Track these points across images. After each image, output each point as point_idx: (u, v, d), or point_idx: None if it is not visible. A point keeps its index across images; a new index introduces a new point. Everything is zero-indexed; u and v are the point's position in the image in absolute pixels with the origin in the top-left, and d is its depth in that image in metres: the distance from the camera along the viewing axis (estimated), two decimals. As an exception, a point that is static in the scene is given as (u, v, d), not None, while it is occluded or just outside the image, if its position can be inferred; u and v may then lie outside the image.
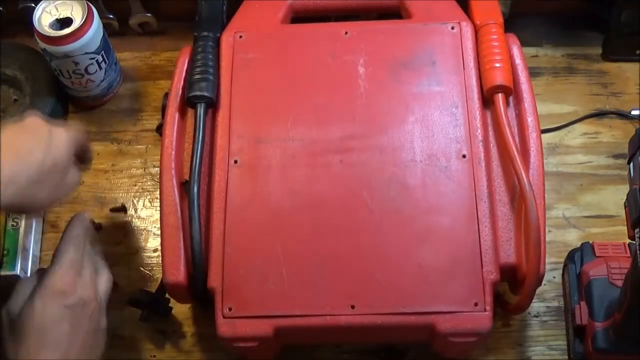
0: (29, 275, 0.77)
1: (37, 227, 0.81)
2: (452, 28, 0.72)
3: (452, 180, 0.65)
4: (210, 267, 0.64)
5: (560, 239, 0.79)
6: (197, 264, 0.64)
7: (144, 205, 0.83)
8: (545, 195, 0.66)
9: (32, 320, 0.58)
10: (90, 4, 0.81)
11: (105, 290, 0.64)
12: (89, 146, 0.69)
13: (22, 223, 0.77)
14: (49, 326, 0.58)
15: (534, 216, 0.62)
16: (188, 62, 0.73)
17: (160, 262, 0.66)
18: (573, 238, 0.78)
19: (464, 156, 0.66)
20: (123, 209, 0.82)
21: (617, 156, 0.83)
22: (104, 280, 0.64)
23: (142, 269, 0.79)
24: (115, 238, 0.81)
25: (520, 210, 0.65)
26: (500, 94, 0.68)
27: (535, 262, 0.62)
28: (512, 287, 0.68)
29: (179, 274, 0.65)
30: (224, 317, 0.63)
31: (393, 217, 0.64)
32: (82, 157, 0.68)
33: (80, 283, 0.60)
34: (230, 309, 0.63)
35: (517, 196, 0.66)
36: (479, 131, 0.67)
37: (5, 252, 0.76)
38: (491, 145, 0.68)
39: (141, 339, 0.76)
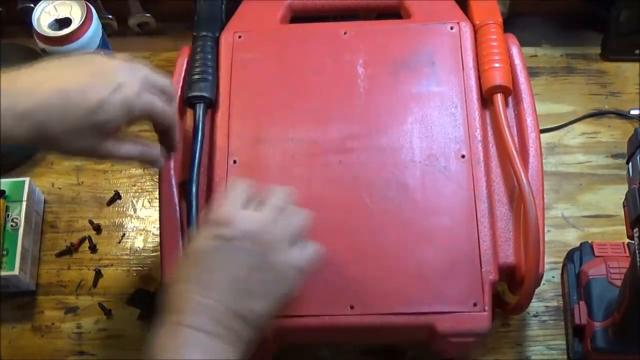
0: (28, 275, 0.77)
1: (37, 227, 0.81)
2: (452, 28, 0.72)
3: (451, 181, 0.65)
4: (209, 267, 0.64)
5: (560, 238, 0.79)
6: (197, 264, 0.64)
7: (143, 206, 0.83)
8: (545, 195, 0.66)
9: (188, 247, 0.56)
10: (89, 4, 0.81)
11: (294, 228, 0.57)
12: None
13: (22, 223, 0.77)
14: (199, 255, 0.55)
15: (533, 216, 0.62)
16: (187, 63, 0.73)
17: (160, 262, 0.66)
18: (572, 238, 0.79)
19: (463, 156, 0.66)
20: (117, 196, 0.83)
21: (616, 156, 0.83)
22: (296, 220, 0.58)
23: (141, 268, 0.79)
24: (114, 238, 0.81)
25: (520, 210, 0.65)
26: (499, 94, 0.68)
27: (534, 262, 0.62)
28: (511, 287, 0.68)
29: (178, 274, 0.65)
30: (223, 317, 0.62)
31: (392, 217, 0.64)
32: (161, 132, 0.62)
33: (243, 216, 0.56)
34: (229, 309, 0.62)
35: (516, 196, 0.66)
36: (478, 131, 0.67)
37: (4, 252, 0.76)
38: (490, 145, 0.68)
39: (141, 339, 0.75)
